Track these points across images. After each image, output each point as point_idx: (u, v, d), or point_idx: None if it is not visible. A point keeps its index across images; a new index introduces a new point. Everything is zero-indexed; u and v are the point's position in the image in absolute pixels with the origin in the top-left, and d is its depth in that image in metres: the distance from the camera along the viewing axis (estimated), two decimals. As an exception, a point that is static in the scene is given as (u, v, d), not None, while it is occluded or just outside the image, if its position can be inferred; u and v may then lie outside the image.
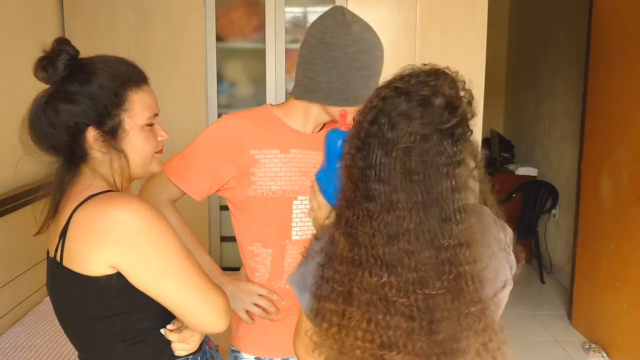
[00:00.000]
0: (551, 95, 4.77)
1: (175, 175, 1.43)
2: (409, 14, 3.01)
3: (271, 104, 1.46)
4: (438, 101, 0.91)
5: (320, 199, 1.13)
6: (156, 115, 1.13)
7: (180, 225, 1.44)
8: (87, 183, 1.07)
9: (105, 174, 1.09)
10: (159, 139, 1.15)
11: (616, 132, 3.16)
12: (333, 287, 0.94)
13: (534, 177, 4.96)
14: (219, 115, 3.08)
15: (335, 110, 1.32)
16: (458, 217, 0.89)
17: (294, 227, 1.39)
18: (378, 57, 1.32)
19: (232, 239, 1.49)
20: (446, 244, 0.89)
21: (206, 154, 1.40)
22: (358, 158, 0.92)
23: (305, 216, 1.38)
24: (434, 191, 0.89)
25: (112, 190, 1.07)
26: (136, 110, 1.08)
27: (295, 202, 1.38)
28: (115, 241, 0.98)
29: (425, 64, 0.97)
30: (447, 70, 0.96)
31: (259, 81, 3.12)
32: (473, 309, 0.91)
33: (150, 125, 1.12)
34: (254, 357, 1.46)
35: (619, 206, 3.13)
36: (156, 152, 1.15)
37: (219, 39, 3.04)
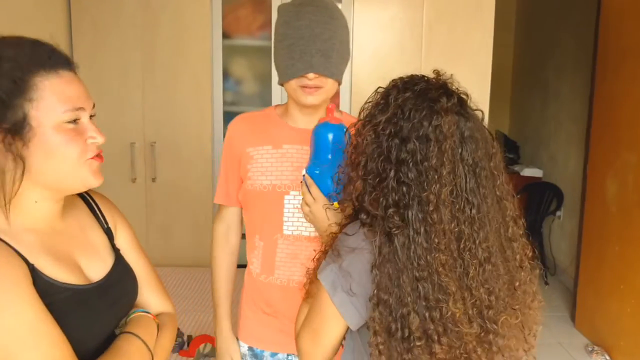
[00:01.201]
0: (557, 97, 4.75)
1: (217, 196, 1.52)
2: (416, 14, 3.00)
3: (278, 105, 1.51)
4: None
5: (316, 192, 1.14)
6: (81, 109, 0.89)
7: (223, 270, 1.52)
8: None
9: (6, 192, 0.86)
10: (90, 141, 0.90)
11: (622, 135, 3.14)
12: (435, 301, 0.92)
13: (539, 178, 4.94)
14: (225, 113, 3.10)
15: (289, 89, 1.35)
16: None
17: (286, 221, 1.41)
18: (299, 26, 1.29)
19: (244, 236, 1.54)
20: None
21: (225, 164, 1.49)
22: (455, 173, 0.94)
23: (299, 211, 1.39)
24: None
25: None
26: (47, 101, 0.85)
27: (287, 196, 1.40)
28: None
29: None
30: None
31: (265, 79, 3.13)
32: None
33: (73, 122, 0.89)
34: (247, 346, 1.50)
35: (624, 209, 3.12)
36: (90, 159, 0.91)
37: (225, 36, 3.05)
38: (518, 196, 4.14)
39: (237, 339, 1.52)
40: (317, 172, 1.16)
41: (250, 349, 1.49)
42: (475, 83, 2.93)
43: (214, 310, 1.53)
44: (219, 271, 1.52)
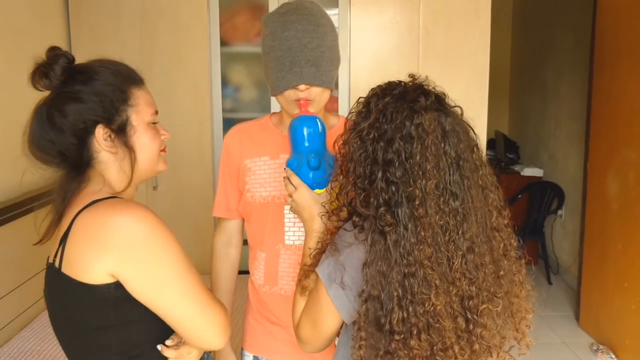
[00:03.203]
0: (556, 96, 4.76)
1: (216, 209, 1.52)
2: (412, 17, 3.01)
3: (274, 113, 1.50)
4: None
5: (296, 180, 1.17)
6: (157, 113, 1.14)
7: (220, 278, 1.52)
8: (94, 189, 1.05)
9: (111, 179, 1.07)
10: (162, 137, 1.15)
11: (622, 132, 3.15)
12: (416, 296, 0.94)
13: (540, 177, 4.94)
14: (224, 120, 3.10)
15: (282, 101, 1.34)
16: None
17: (287, 231, 1.41)
18: (285, 37, 1.27)
19: (244, 242, 1.54)
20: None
21: (223, 177, 1.49)
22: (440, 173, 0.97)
23: (299, 220, 1.38)
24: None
25: (116, 196, 1.05)
26: (141, 107, 1.09)
27: (287, 207, 1.39)
28: (115, 248, 0.95)
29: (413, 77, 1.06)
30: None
31: (264, 85, 3.13)
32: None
33: (154, 123, 1.13)
34: (252, 355, 1.50)
35: (626, 206, 3.12)
36: (161, 151, 1.15)
37: (223, 43, 3.05)
38: (520, 196, 4.15)
39: (243, 348, 1.52)
40: (296, 163, 1.19)
41: (255, 358, 1.49)
42: (474, 84, 2.93)
43: None
44: (218, 284, 1.51)
